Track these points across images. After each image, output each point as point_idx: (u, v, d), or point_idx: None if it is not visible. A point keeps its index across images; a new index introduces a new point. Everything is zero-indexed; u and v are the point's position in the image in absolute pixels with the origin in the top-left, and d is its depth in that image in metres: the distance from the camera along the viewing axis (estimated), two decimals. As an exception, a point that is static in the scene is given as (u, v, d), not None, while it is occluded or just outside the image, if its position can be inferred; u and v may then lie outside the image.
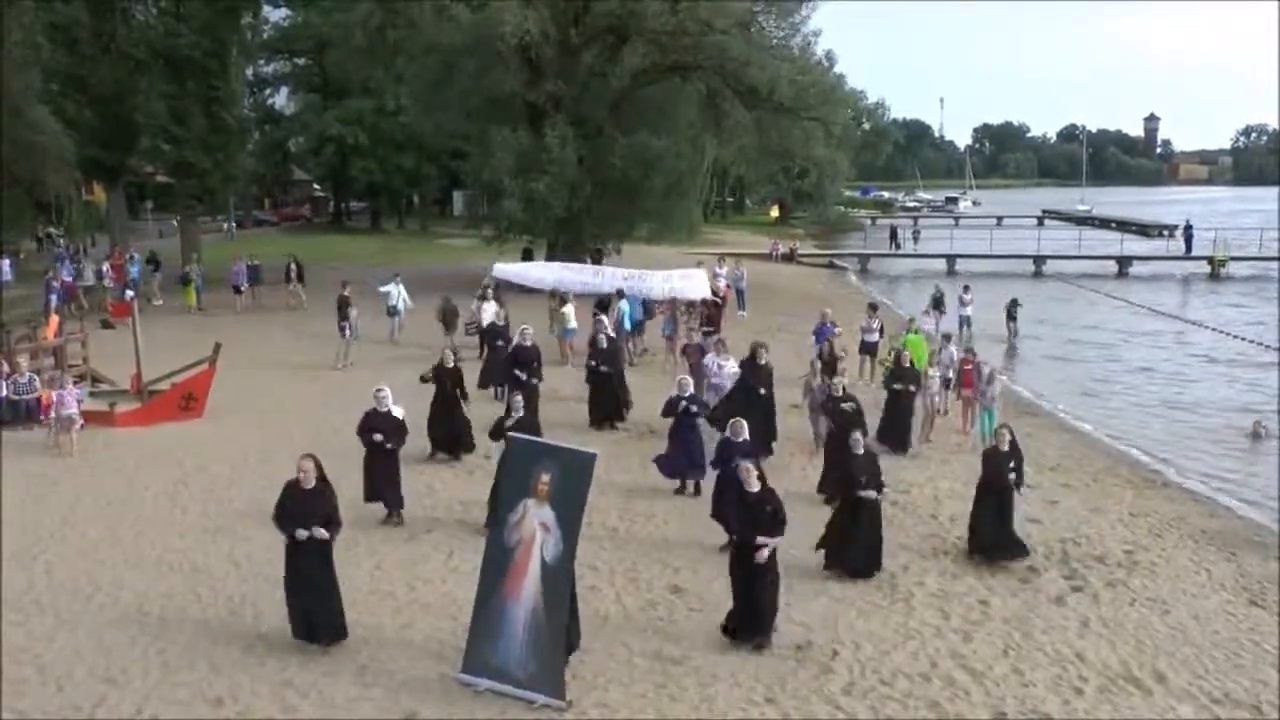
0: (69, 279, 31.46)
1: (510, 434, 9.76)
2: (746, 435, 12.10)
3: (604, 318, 20.69)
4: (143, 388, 18.55)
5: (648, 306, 24.39)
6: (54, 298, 28.75)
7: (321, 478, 9.23)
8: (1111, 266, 49.28)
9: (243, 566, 11.09)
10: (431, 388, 15.31)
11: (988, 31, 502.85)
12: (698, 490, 13.54)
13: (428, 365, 16.18)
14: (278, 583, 9.43)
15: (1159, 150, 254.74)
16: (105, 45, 37.77)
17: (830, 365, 16.93)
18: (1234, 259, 49.28)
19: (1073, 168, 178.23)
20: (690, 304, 24.14)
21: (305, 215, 79.03)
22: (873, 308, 22.91)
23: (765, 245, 55.24)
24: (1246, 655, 9.48)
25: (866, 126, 57.61)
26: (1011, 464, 11.64)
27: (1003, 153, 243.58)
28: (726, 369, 16.57)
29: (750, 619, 9.30)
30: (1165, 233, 65.67)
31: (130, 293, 27.76)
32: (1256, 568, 11.81)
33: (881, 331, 21.64)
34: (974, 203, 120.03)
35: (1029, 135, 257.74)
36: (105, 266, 33.83)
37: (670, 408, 14.09)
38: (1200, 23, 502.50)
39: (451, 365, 15.41)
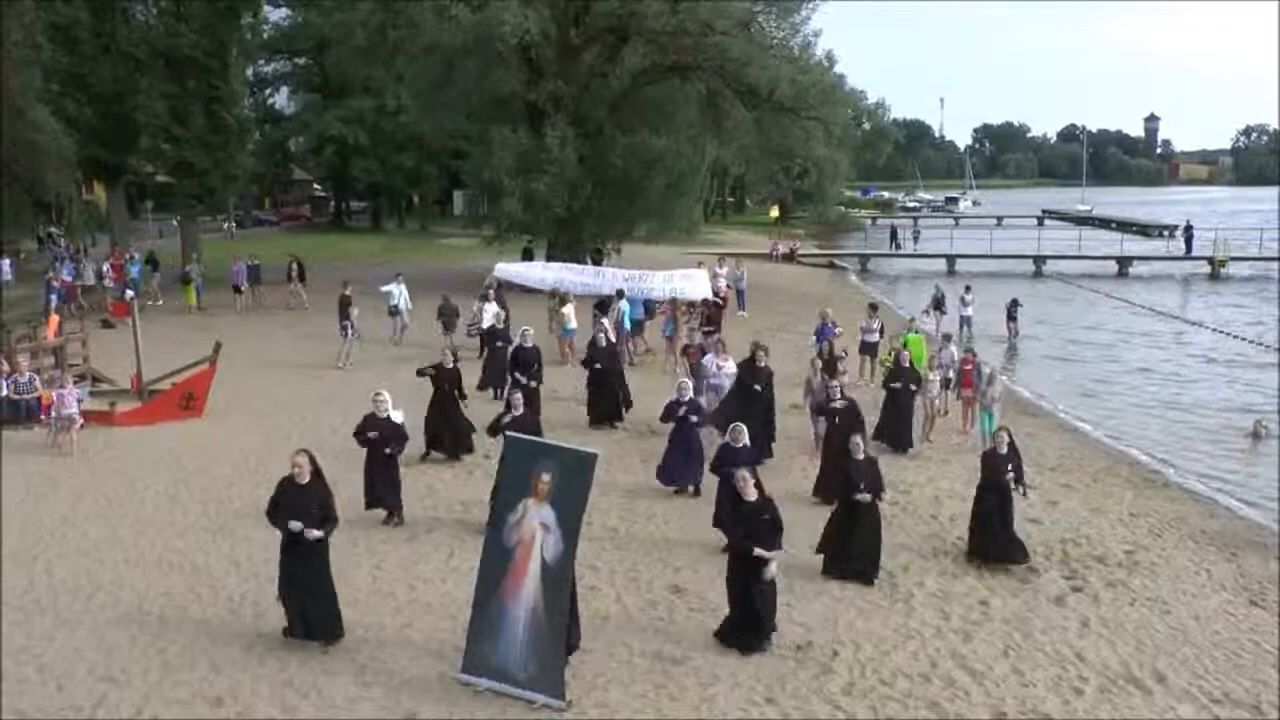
0: (69, 279, 31.45)
1: (508, 434, 9.75)
2: (747, 441, 12.09)
3: (604, 319, 20.71)
4: (143, 387, 18.56)
5: (649, 307, 24.42)
6: (54, 298, 28.75)
7: (316, 472, 9.22)
8: (1112, 267, 49.29)
9: (243, 566, 11.09)
10: (430, 388, 15.31)
11: (988, 31, 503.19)
12: (697, 491, 13.54)
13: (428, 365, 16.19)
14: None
15: (1159, 150, 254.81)
16: (105, 45, 37.68)
17: (830, 365, 16.95)
18: (1234, 259, 49.27)
19: (1073, 168, 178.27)
20: (690, 304, 24.15)
21: (305, 215, 79.10)
22: (873, 308, 22.92)
23: (765, 245, 55.24)
24: (1247, 655, 9.48)
25: (867, 126, 57.55)
26: (1010, 466, 11.63)
27: (1003, 153, 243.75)
28: (725, 370, 16.57)
29: (748, 627, 9.28)
30: (1165, 233, 65.71)
31: (130, 293, 27.73)
32: (1257, 568, 11.82)
33: (882, 331, 21.64)
34: (974, 203, 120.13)
35: (1029, 135, 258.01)
36: (105, 266, 33.80)
37: (669, 413, 14.08)
38: (1200, 23, 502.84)
39: (450, 366, 15.42)
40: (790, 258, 52.16)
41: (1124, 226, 74.78)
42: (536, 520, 8.39)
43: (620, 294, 23.31)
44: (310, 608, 9.15)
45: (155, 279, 33.95)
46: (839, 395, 14.30)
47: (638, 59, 34.57)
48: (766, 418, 15.28)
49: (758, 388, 15.46)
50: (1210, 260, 48.71)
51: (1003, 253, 52.12)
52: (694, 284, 24.86)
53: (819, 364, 16.65)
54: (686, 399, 14.10)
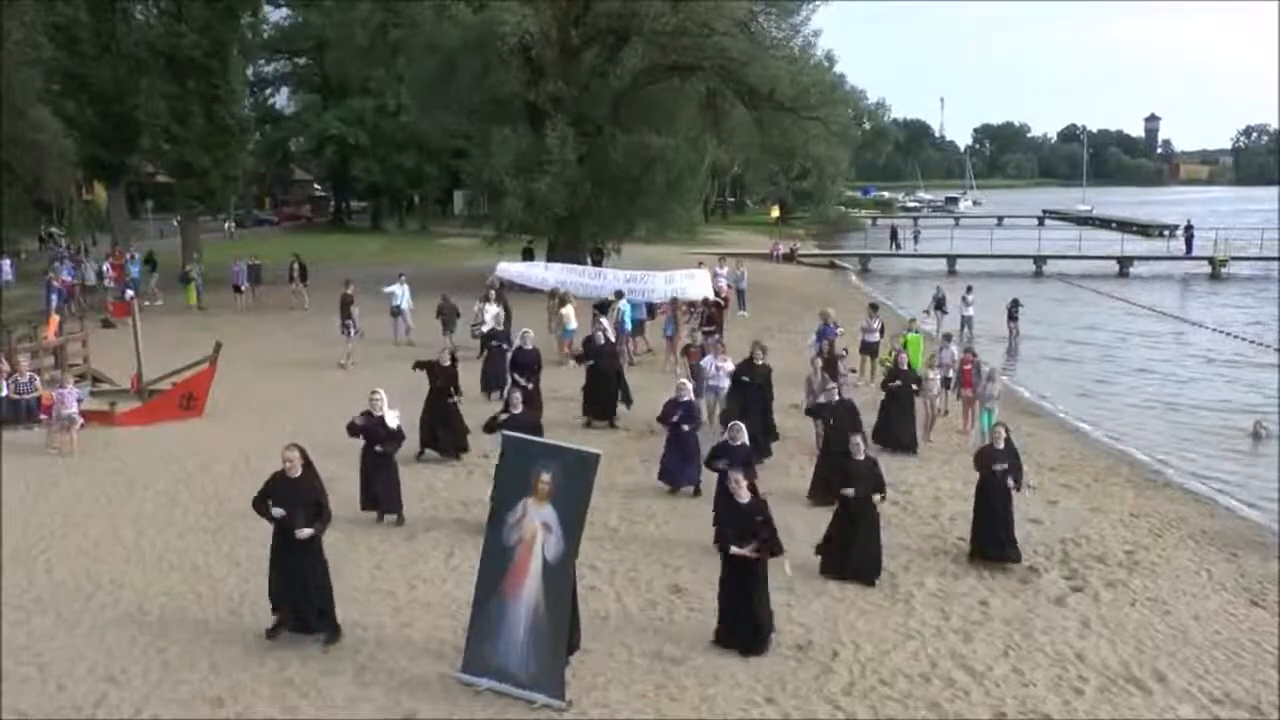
0: (69, 279, 31.47)
1: (506, 433, 9.74)
2: (745, 439, 12.09)
3: (603, 319, 20.74)
4: (143, 387, 18.57)
5: (650, 308, 24.45)
6: (54, 298, 28.76)
7: (308, 466, 9.23)
8: (1112, 267, 49.28)
9: (243, 566, 11.08)
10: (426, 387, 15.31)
11: (988, 31, 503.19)
12: (697, 491, 13.54)
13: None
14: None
15: (1160, 150, 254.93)
16: (105, 45, 37.75)
17: (831, 365, 16.95)
18: (1235, 259, 49.26)
19: (1073, 168, 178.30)
20: (691, 304, 24.15)
21: (305, 215, 79.13)
22: (873, 308, 22.93)
23: (766, 245, 55.26)
24: (1247, 655, 9.48)
25: (867, 126, 57.43)
26: (1004, 464, 11.55)
27: (1003, 153, 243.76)
28: (724, 370, 16.59)
29: (748, 631, 9.26)
30: (1166, 233, 65.71)
31: (130, 293, 27.76)
32: (1257, 568, 11.81)
33: (882, 331, 21.65)
34: (975, 203, 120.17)
35: (1030, 135, 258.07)
36: (105, 266, 33.83)
37: (664, 416, 14.10)
38: (1200, 23, 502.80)
39: (447, 364, 15.41)
40: (790, 258, 52.17)
41: (1124, 226, 74.78)
42: (537, 520, 8.38)
43: (619, 295, 23.32)
44: (303, 602, 9.14)
45: (154, 279, 33.96)
46: (835, 395, 14.31)
47: (638, 59, 34.58)
48: (764, 416, 15.28)
49: (745, 378, 15.48)
50: (1211, 260, 48.69)
51: (1003, 253, 52.15)
52: (695, 284, 24.87)
53: (819, 364, 16.64)
54: (685, 400, 14.10)
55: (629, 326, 23.17)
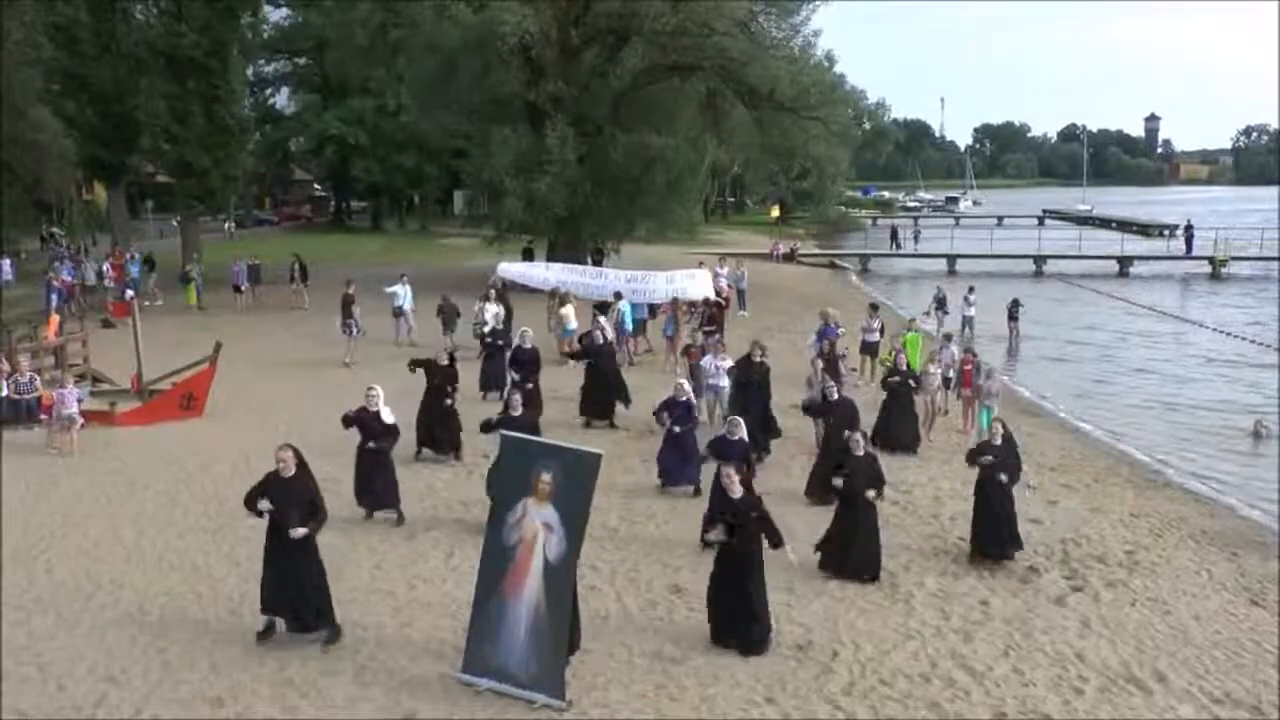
0: (69, 279, 31.48)
1: (505, 433, 9.74)
2: (743, 434, 12.09)
3: (602, 319, 20.76)
4: (143, 387, 18.58)
5: (652, 308, 24.46)
6: (54, 298, 28.77)
7: (301, 465, 9.23)
8: (1112, 266, 49.28)
9: (243, 566, 11.07)
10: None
11: (988, 31, 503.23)
12: (697, 490, 13.53)
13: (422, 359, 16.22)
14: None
15: (1160, 150, 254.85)
16: (105, 45, 37.75)
17: (832, 365, 16.95)
18: (1235, 259, 49.25)
19: (1073, 168, 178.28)
20: (691, 304, 24.16)
21: (306, 215, 79.14)
22: (874, 308, 22.94)
23: (766, 245, 55.27)
24: (1247, 655, 9.47)
25: (867, 126, 57.45)
26: (991, 456, 11.52)
27: (1003, 153, 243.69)
28: (724, 369, 16.63)
29: (745, 628, 9.25)
30: (1166, 233, 65.71)
31: (130, 293, 27.77)
32: (1257, 567, 11.81)
33: (882, 331, 21.65)
34: (975, 203, 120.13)
35: (1030, 135, 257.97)
36: (105, 266, 33.83)
37: (658, 415, 14.17)
38: (1200, 23, 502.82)
39: (445, 363, 15.40)
40: (791, 258, 52.18)
41: (1124, 226, 74.76)
42: (538, 520, 8.37)
43: (618, 296, 23.33)
44: (300, 602, 9.14)
45: (152, 279, 33.93)
46: (834, 393, 14.33)
47: (638, 59, 34.58)
48: (763, 414, 15.26)
49: (744, 380, 15.48)
50: (1211, 260, 48.69)
51: (1003, 253, 52.15)
52: (697, 284, 24.86)
53: (820, 364, 16.64)
54: (683, 400, 14.11)
55: (630, 327, 23.19)
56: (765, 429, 15.25)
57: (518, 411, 12.67)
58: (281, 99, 73.15)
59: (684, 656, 9.14)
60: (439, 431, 15.15)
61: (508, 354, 18.68)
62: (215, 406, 18.23)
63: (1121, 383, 24.44)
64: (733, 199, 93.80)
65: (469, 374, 18.86)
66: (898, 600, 10.53)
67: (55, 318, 24.31)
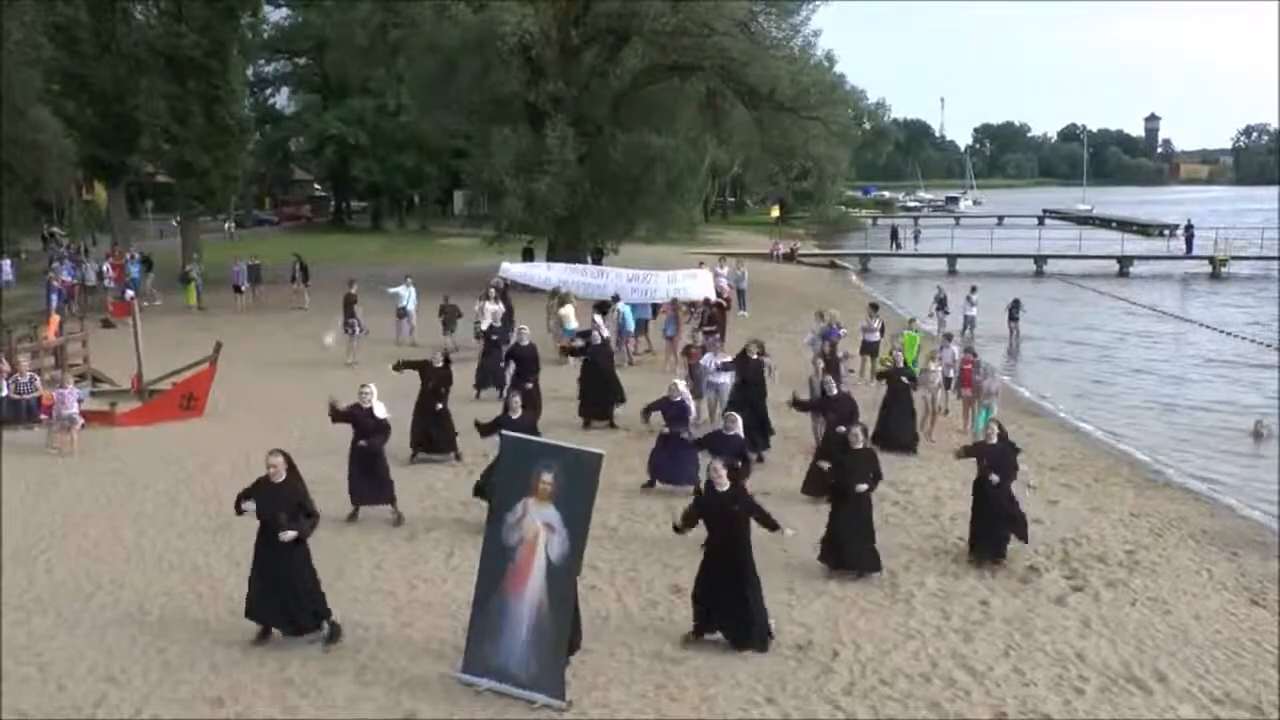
0: (69, 279, 31.48)
1: (505, 433, 9.73)
2: (739, 430, 12.08)
3: (598, 318, 20.77)
4: (143, 387, 18.58)
5: (654, 308, 24.48)
6: (54, 298, 28.77)
7: (291, 470, 9.23)
8: (1112, 266, 49.28)
9: (243, 566, 10.98)
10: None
11: (988, 31, 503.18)
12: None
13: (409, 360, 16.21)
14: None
15: (1160, 150, 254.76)
16: (105, 45, 37.76)
17: (832, 365, 16.96)
18: (1235, 259, 49.26)
19: (1073, 167, 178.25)
20: (691, 304, 24.16)
21: (306, 215, 79.16)
22: (874, 308, 22.96)
23: (766, 245, 55.28)
24: (1247, 655, 9.47)
25: (867, 126, 57.46)
26: (984, 456, 11.51)
27: (1003, 152, 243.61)
28: (719, 363, 16.68)
29: (736, 622, 9.25)
30: (1166, 232, 65.72)
31: (130, 293, 27.77)
32: (1257, 567, 11.81)
33: (882, 331, 21.67)
34: (975, 202, 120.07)
35: (1030, 135, 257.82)
36: (105, 266, 33.83)
37: (646, 414, 14.26)
38: (1200, 23, 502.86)
39: (439, 365, 15.39)
40: (791, 257, 52.18)
41: (1124, 226, 74.77)
42: (539, 520, 8.37)
43: (616, 299, 23.33)
44: (293, 605, 9.13)
45: (149, 280, 33.91)
46: (834, 389, 14.36)
47: (638, 59, 34.60)
48: (756, 411, 15.21)
49: (745, 381, 15.48)
50: (1211, 260, 48.69)
51: (1003, 252, 52.18)
52: (698, 284, 24.85)
53: (821, 364, 16.65)
54: (676, 400, 14.11)
55: (631, 327, 23.21)
56: (760, 428, 15.24)
57: (517, 413, 12.64)
58: (281, 99, 73.31)
59: (684, 656, 9.14)
60: (435, 434, 15.14)
61: (504, 349, 18.68)
62: (215, 407, 18.22)
63: (1121, 383, 24.45)
64: (733, 199, 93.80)
65: (466, 374, 18.89)
66: (898, 600, 10.53)
67: (55, 318, 24.32)
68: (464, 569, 10.61)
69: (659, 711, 8.27)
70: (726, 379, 16.37)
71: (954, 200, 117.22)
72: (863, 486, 10.98)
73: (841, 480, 11.16)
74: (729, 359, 16.85)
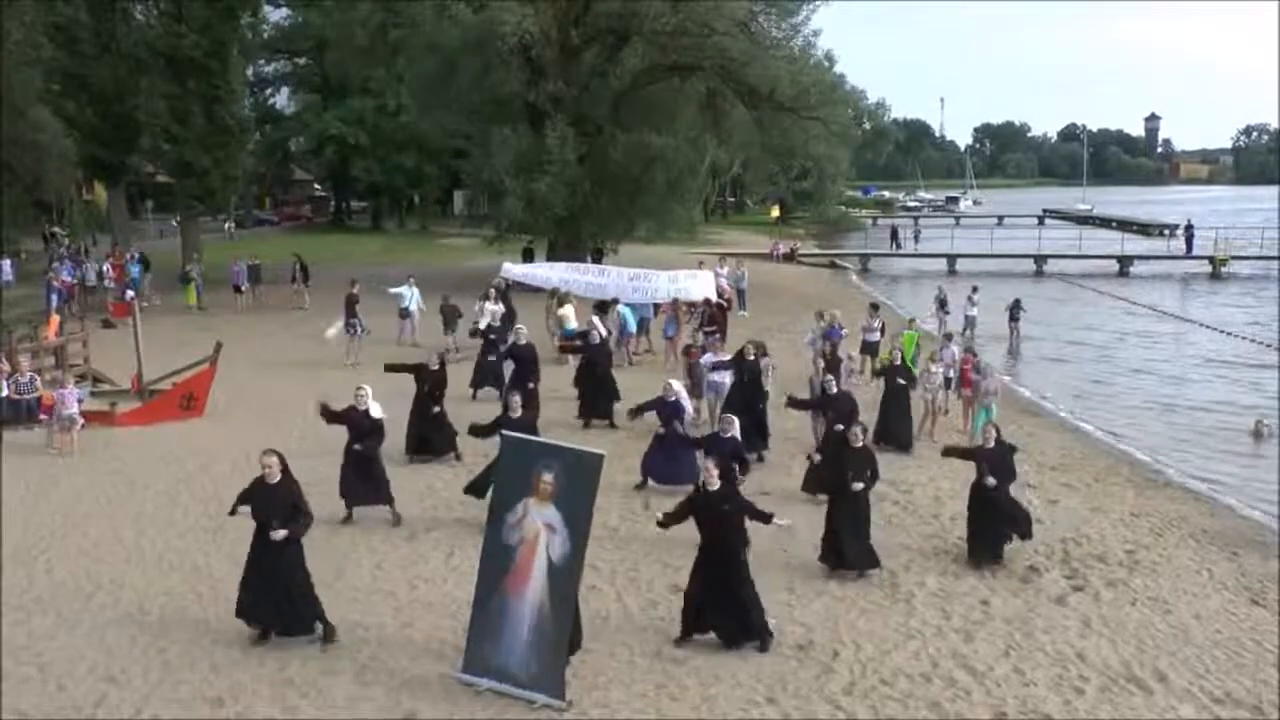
0: (69, 279, 31.47)
1: (504, 433, 9.73)
2: (736, 433, 12.08)
3: (595, 318, 20.78)
4: (143, 387, 18.57)
5: (655, 307, 24.49)
6: (55, 298, 28.76)
7: (285, 471, 9.24)
8: (1112, 266, 49.28)
9: (243, 566, 11.04)
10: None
11: (988, 31, 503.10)
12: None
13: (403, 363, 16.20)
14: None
15: (1160, 150, 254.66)
16: (105, 45, 37.75)
17: (832, 364, 16.96)
18: (1235, 258, 49.25)
19: (1074, 167, 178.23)
20: (692, 304, 24.15)
21: (306, 215, 79.16)
22: (874, 308, 22.96)
23: (766, 245, 55.28)
24: (1248, 655, 9.47)
25: (867, 126, 57.48)
26: (982, 463, 11.51)
27: (1003, 152, 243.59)
28: (715, 361, 16.71)
29: (732, 621, 9.25)
30: (1166, 232, 65.73)
31: (130, 293, 27.76)
32: (1257, 567, 11.80)
33: (883, 331, 21.67)
34: (975, 202, 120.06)
35: (1030, 135, 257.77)
36: (106, 266, 33.81)
37: (638, 409, 14.32)
38: (1200, 23, 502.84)
39: (435, 368, 15.37)
40: (791, 257, 52.18)
41: (1124, 226, 74.77)
42: (540, 521, 8.37)
43: (614, 301, 23.33)
44: (285, 605, 9.13)
45: (146, 279, 33.88)
46: (833, 387, 14.37)
47: (638, 59, 34.61)
48: (752, 413, 15.17)
49: (745, 380, 15.48)
50: (1211, 259, 48.68)
51: (1003, 252, 52.17)
52: (699, 284, 24.83)
53: (821, 364, 16.65)
54: (670, 400, 14.10)
55: (632, 329, 23.22)
56: (760, 430, 15.22)
57: (517, 412, 12.65)
58: (281, 99, 73.27)
59: (685, 656, 9.14)
60: (433, 437, 15.12)
61: (502, 349, 18.68)
62: (215, 407, 18.22)
63: (1121, 383, 24.44)
64: (733, 199, 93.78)
65: (464, 374, 18.90)
66: (898, 600, 10.53)
67: (55, 318, 24.33)
68: (464, 569, 10.61)
69: (659, 711, 8.27)
70: (726, 379, 16.36)
71: (954, 200, 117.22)
72: (859, 485, 10.98)
73: (839, 477, 11.16)
74: (725, 358, 16.86)
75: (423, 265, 38.81)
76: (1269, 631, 9.95)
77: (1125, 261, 49.52)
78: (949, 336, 20.83)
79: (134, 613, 10.01)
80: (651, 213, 36.45)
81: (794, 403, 14.99)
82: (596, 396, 17.61)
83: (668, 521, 9.58)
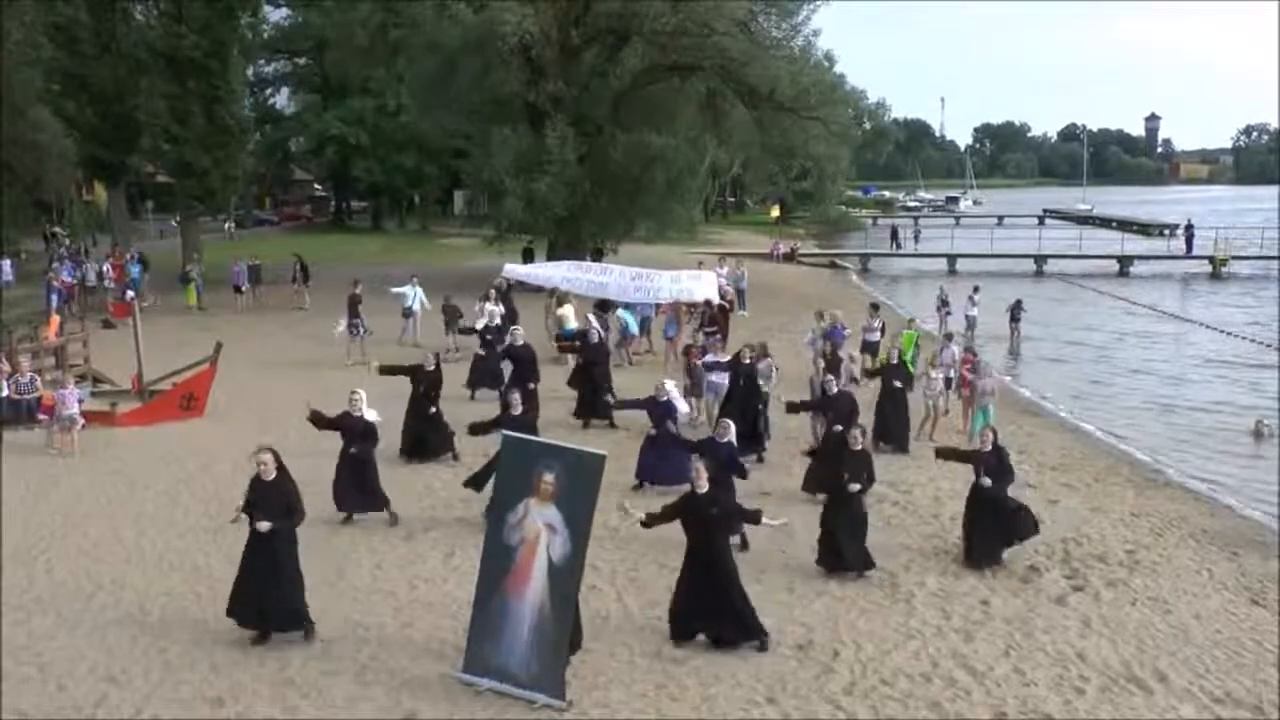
0: (69, 279, 31.47)
1: (505, 433, 9.73)
2: (732, 437, 12.08)
3: (591, 317, 20.79)
4: (144, 388, 18.57)
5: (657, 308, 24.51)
6: (55, 298, 28.76)
7: (280, 468, 9.24)
8: (1112, 266, 49.28)
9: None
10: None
11: (988, 31, 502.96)
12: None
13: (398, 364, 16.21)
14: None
15: (1160, 149, 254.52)
16: (105, 45, 37.76)
17: (832, 364, 16.96)
18: (1235, 258, 49.25)
19: (1074, 167, 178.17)
20: (692, 305, 24.14)
21: (306, 215, 79.15)
22: (874, 307, 22.97)
23: (766, 245, 55.29)
24: (1248, 655, 9.47)
25: (867, 126, 57.55)
26: (980, 466, 11.49)
27: (1004, 152, 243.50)
28: (717, 367, 16.72)
29: (732, 628, 9.24)
30: (1166, 232, 65.74)
31: (130, 293, 27.76)
32: (1257, 567, 11.80)
33: (883, 331, 21.68)
34: (975, 202, 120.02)
35: (1030, 135, 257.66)
36: (106, 267, 33.82)
37: (629, 402, 14.49)
38: (1200, 23, 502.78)
39: (432, 368, 15.36)
40: (791, 257, 52.18)
41: (1124, 226, 74.77)
42: (540, 521, 8.37)
43: (613, 307, 23.33)
44: (269, 597, 9.13)
45: (145, 280, 33.87)
46: (833, 387, 14.37)
47: (638, 59, 34.62)
48: (746, 416, 15.14)
49: (742, 383, 15.54)
50: (1211, 259, 48.68)
51: (1004, 252, 52.16)
52: (701, 285, 24.81)
53: (821, 364, 16.66)
54: (664, 400, 14.10)
55: (635, 330, 23.20)
56: (754, 434, 15.18)
57: (518, 410, 12.65)
58: (281, 99, 73.23)
59: (685, 656, 9.14)
60: (430, 438, 15.11)
61: (498, 349, 18.69)
62: (216, 407, 18.22)
63: (1121, 383, 24.44)
64: (733, 199, 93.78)
65: (460, 374, 18.90)
66: (898, 600, 10.53)
67: (56, 318, 24.34)
68: (464, 569, 10.62)
69: (659, 711, 8.27)
70: (725, 379, 16.35)
71: (954, 200, 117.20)
72: (855, 485, 10.99)
73: (836, 478, 11.15)
74: (722, 359, 16.84)
75: (423, 265, 38.77)
76: (1269, 631, 9.95)
77: (1125, 261, 49.52)
78: (949, 336, 20.84)
79: (134, 613, 10.01)
80: (651, 213, 36.45)
81: (794, 408, 14.99)
82: (595, 396, 17.61)
83: (651, 522, 9.55)
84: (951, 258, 50.76)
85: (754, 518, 9.59)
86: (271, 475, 9.18)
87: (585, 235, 36.70)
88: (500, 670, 8.41)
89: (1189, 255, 51.54)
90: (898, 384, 16.28)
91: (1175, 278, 47.42)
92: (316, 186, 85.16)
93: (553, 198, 32.68)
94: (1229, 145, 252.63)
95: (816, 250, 59.49)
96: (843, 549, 10.95)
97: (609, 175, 34.35)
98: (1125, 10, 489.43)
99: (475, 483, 12.35)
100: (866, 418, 15.04)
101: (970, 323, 28.53)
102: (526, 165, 32.87)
